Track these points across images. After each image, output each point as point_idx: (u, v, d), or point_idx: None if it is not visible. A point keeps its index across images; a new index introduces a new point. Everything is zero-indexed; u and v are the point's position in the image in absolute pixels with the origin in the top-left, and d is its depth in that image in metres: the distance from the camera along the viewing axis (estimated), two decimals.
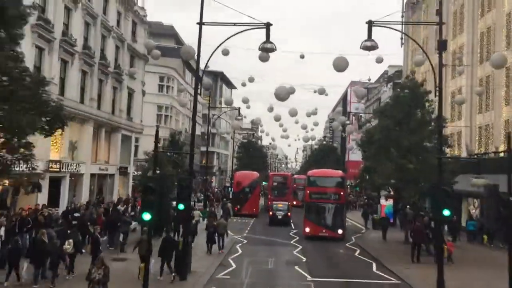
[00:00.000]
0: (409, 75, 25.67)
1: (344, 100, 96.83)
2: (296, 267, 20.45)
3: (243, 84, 33.02)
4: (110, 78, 33.19)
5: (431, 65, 17.39)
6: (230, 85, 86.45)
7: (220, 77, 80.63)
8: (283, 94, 27.76)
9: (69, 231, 18.69)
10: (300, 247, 26.11)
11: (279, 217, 37.53)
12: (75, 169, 28.12)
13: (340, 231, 28.15)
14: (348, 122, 39.19)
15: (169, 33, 59.66)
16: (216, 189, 68.78)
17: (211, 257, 22.29)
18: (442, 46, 16.42)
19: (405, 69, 56.11)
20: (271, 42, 17.53)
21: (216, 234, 24.42)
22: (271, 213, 38.40)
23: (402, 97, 24.60)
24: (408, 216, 34.36)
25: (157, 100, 50.54)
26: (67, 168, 27.04)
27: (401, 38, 57.19)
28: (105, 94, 32.64)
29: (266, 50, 17.66)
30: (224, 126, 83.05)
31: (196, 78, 17.97)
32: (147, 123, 46.88)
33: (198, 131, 71.21)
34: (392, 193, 34.17)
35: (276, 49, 17.65)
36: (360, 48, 17.34)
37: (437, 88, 16.47)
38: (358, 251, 25.51)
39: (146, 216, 11.67)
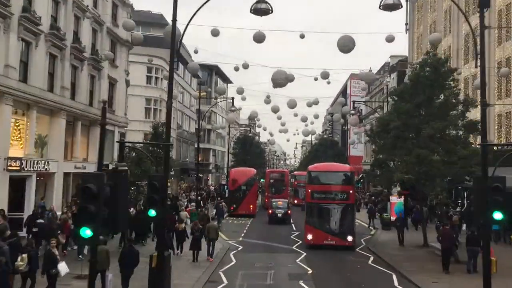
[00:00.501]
0: (429, 51, 21.87)
1: (343, 93, 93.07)
2: (301, 283, 16.77)
3: (236, 69, 29.27)
4: (87, 64, 29.45)
5: (470, 26, 13.73)
6: (226, 80, 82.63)
7: (215, 71, 76.98)
8: (280, 80, 24.36)
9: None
10: (304, 254, 22.50)
11: (279, 215, 35.65)
12: (44, 167, 24.40)
13: (350, 239, 23.42)
14: (352, 112, 35.53)
15: (159, 22, 55.84)
16: (212, 187, 65.46)
17: (198, 269, 18.69)
18: (483, 2, 12.75)
19: (410, 56, 52.57)
20: (265, 2, 13.93)
21: (207, 240, 21.14)
22: (270, 211, 36.41)
23: (423, 77, 20.80)
24: (424, 215, 31.02)
25: (145, 92, 46.80)
26: (33, 167, 23.33)
27: (406, 24, 53.59)
28: (80, 82, 28.90)
29: (260, 11, 14.02)
30: (220, 122, 79.44)
31: (171, 48, 14.34)
32: (135, 117, 43.46)
33: (192, 127, 67.78)
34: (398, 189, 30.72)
35: (272, 11, 14.01)
36: (380, 7, 13.73)
37: (478, 56, 12.83)
38: (371, 259, 21.87)
39: (86, 232, 8.01)
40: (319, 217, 24.07)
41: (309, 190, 24.69)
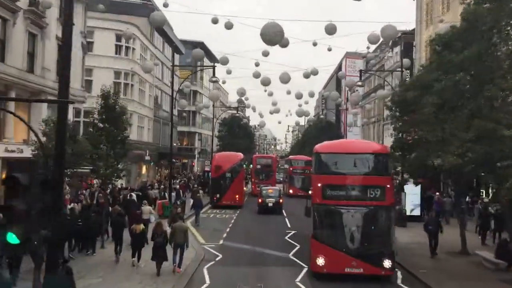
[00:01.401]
0: None
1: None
2: None
3: (214, 21, 22.64)
4: (22, 18, 22.82)
5: None
6: (213, 58, 75.77)
7: (200, 48, 70.04)
8: (272, 34, 18.58)
9: None
10: (305, 268, 16.31)
11: (270, 204, 32.26)
12: None
13: (387, 264, 14.60)
14: (359, 83, 29.30)
15: None
16: (198, 174, 59.59)
17: None
18: None
19: (418, 26, 46.36)
20: None
21: (172, 245, 15.66)
22: (260, 200, 32.91)
23: (482, 17, 14.23)
24: (446, 207, 25.34)
25: (114, 64, 39.98)
26: None
27: None
28: (12, 41, 22.25)
29: None
30: (205, 103, 72.94)
31: None
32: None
33: (174, 109, 61.18)
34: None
35: None
36: None
37: None
38: (400, 276, 15.76)
39: None
40: (337, 228, 15.09)
41: (319, 184, 15.27)
